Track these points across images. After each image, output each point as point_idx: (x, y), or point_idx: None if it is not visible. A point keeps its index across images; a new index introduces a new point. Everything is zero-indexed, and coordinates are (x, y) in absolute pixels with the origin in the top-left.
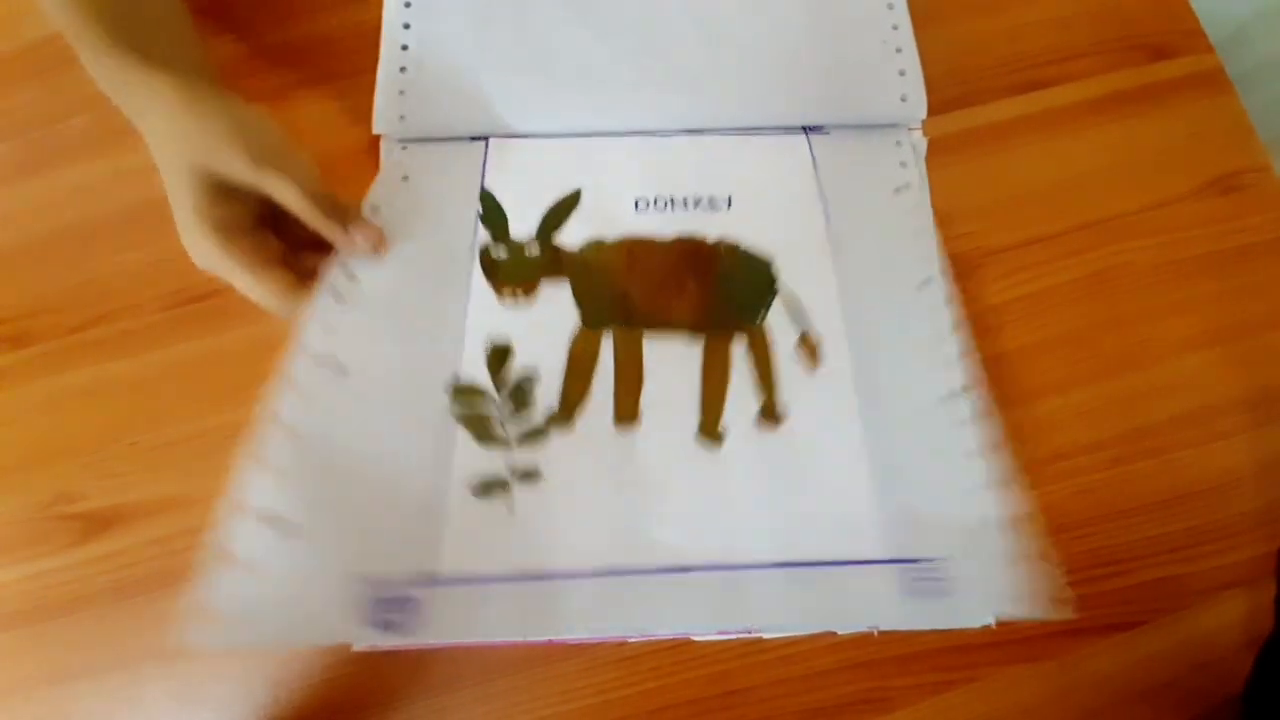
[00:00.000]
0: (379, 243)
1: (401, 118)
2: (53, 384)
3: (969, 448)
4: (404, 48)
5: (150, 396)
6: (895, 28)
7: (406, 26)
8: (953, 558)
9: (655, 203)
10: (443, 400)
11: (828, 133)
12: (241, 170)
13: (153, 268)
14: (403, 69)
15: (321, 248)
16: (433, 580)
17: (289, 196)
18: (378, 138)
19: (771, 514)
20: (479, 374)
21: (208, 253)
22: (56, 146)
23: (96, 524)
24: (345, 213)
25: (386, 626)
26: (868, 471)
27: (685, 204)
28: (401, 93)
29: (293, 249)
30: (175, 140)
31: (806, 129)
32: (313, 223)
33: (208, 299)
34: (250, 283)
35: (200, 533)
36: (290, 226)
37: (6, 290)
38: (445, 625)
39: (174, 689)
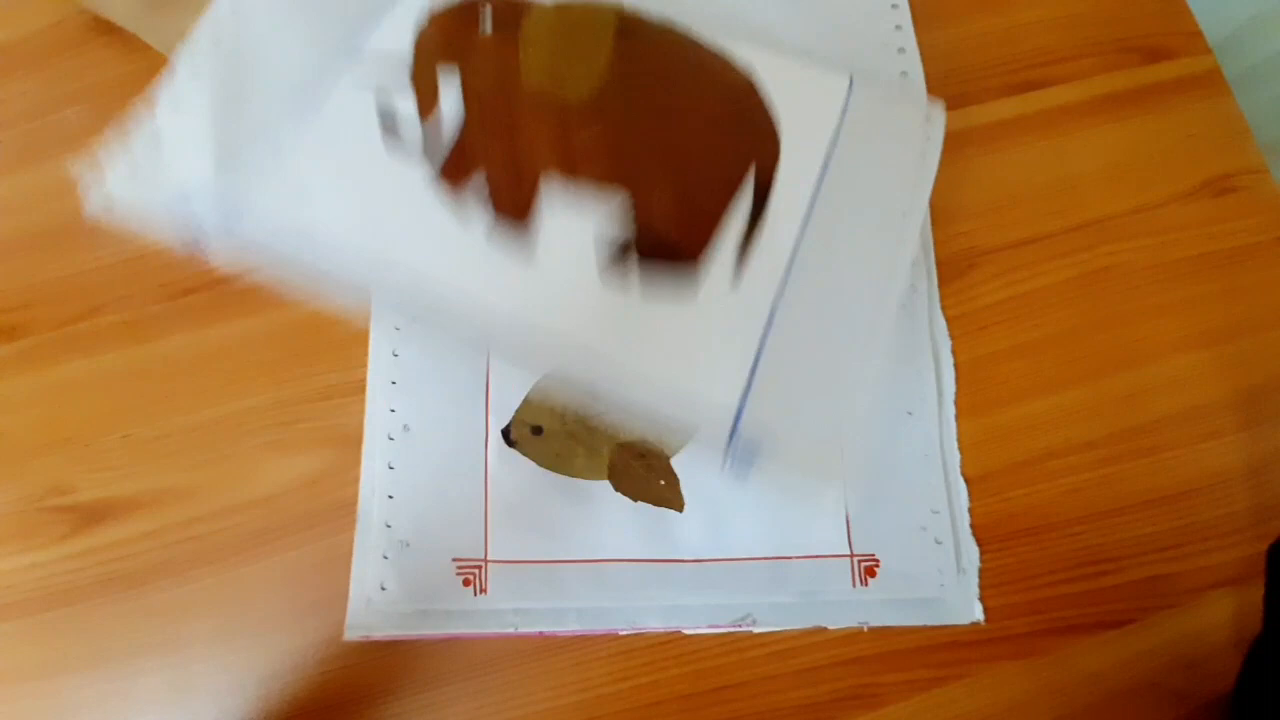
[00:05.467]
0: None
1: None
2: (46, 376)
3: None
4: None
5: (144, 389)
6: (898, 27)
7: None
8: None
9: None
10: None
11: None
12: None
13: (147, 260)
14: None
15: None
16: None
17: None
18: None
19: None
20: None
21: None
22: (51, 137)
23: (90, 516)
24: None
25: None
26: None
27: None
28: None
29: None
30: None
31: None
32: None
33: (202, 290)
34: None
35: (194, 525)
36: None
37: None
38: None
39: (167, 682)
